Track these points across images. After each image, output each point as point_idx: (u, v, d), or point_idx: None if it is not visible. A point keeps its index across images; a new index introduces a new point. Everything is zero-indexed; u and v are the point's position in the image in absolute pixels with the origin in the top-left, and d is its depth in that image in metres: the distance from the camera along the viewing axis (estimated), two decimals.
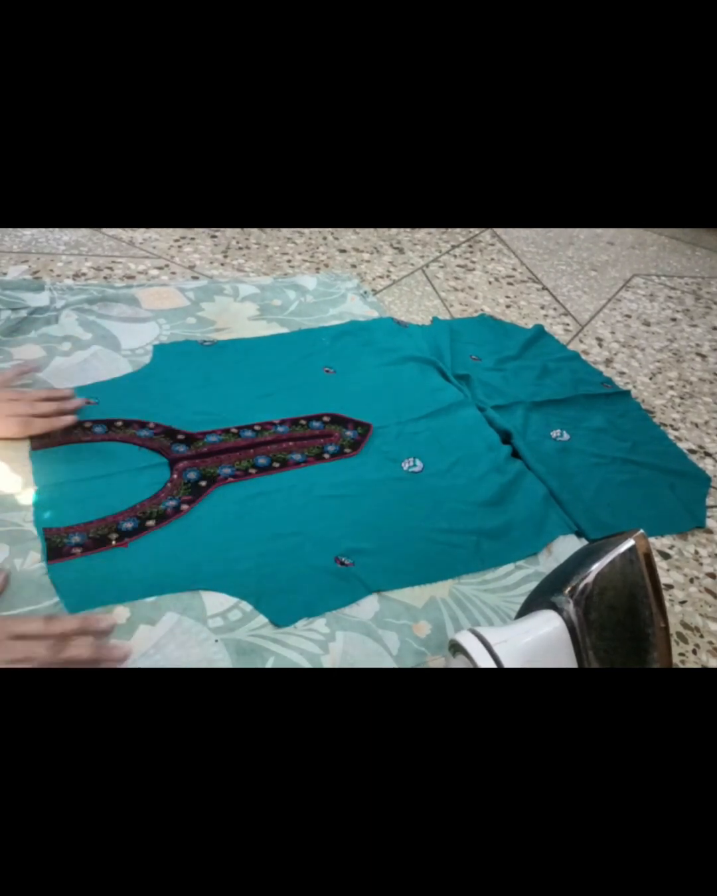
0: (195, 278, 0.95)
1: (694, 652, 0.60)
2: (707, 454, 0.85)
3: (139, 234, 1.03)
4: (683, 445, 0.85)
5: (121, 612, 0.52)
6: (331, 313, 0.93)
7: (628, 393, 0.91)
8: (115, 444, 0.66)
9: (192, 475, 0.64)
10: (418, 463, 0.71)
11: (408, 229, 1.23)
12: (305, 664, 0.51)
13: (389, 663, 0.53)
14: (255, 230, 1.11)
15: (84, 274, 0.91)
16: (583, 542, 0.66)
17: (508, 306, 1.06)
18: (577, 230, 1.38)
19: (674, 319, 1.14)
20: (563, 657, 0.45)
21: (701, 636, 0.62)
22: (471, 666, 0.44)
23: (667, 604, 0.55)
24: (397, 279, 1.07)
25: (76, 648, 0.44)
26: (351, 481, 0.67)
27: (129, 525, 0.58)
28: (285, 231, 1.13)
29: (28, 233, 0.98)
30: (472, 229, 1.28)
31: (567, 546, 0.65)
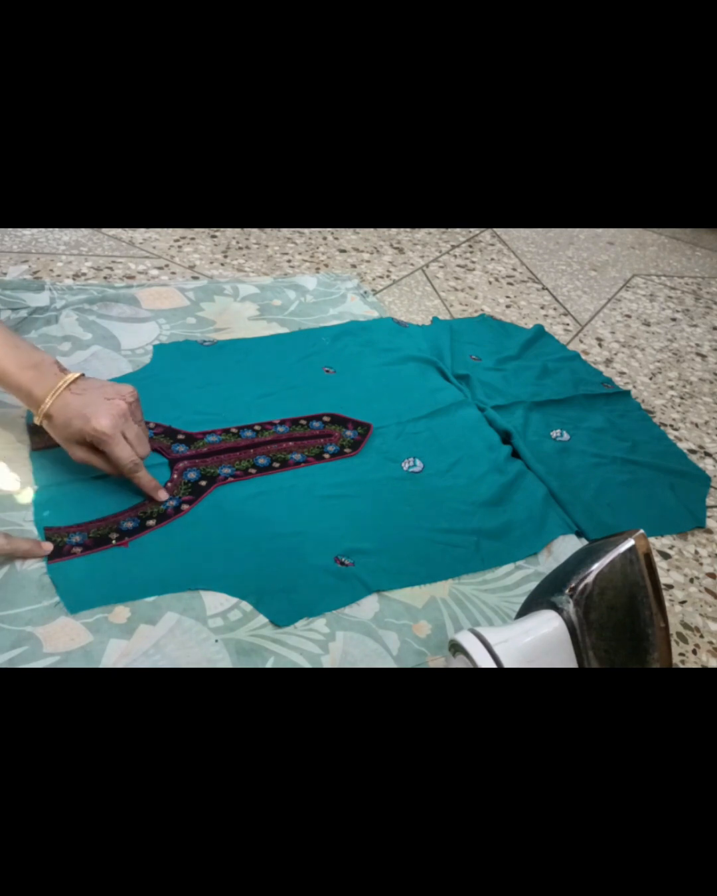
0: (195, 278, 0.95)
1: (694, 652, 0.60)
2: (707, 454, 0.85)
3: (139, 234, 1.03)
4: (683, 445, 0.85)
5: (121, 612, 0.52)
6: (331, 313, 0.93)
7: (628, 393, 0.91)
8: None
9: (192, 475, 0.64)
10: (418, 463, 0.71)
11: (408, 229, 1.23)
12: (305, 664, 0.51)
13: (389, 663, 0.53)
14: (255, 230, 1.11)
15: (84, 274, 0.91)
16: (583, 542, 0.66)
17: (508, 306, 1.07)
18: (577, 230, 1.38)
19: (674, 319, 1.14)
20: (563, 657, 0.45)
21: (701, 636, 0.62)
22: (471, 666, 0.44)
23: (667, 604, 0.55)
24: (397, 279, 1.07)
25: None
26: (351, 481, 0.67)
27: (129, 524, 0.58)
28: (285, 231, 1.13)
29: (28, 233, 0.98)
30: (472, 229, 1.29)
31: (567, 546, 0.65)
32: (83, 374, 0.58)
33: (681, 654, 0.59)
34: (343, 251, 1.11)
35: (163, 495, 0.61)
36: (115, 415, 0.56)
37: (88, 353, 0.77)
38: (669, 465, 0.79)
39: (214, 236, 1.07)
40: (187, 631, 0.51)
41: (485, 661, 0.43)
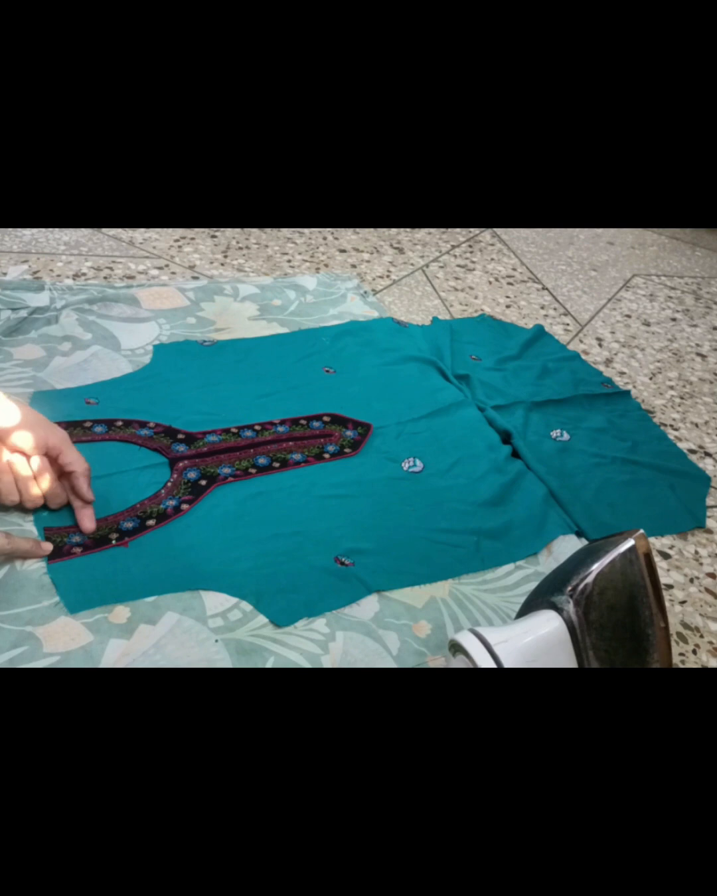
0: (195, 278, 0.95)
1: (694, 652, 0.60)
2: (707, 454, 0.85)
3: (139, 234, 1.03)
4: (683, 445, 0.85)
5: (121, 612, 0.52)
6: (331, 313, 0.93)
7: (628, 393, 0.91)
8: (116, 444, 0.66)
9: (192, 475, 0.64)
10: (418, 463, 0.71)
11: (408, 229, 1.23)
12: (305, 664, 0.51)
13: (389, 663, 0.53)
14: (255, 230, 1.11)
15: (84, 274, 0.91)
16: (583, 542, 0.66)
17: (508, 306, 1.06)
18: (577, 230, 1.38)
19: (674, 319, 1.14)
20: (563, 657, 0.45)
21: (701, 636, 0.62)
22: (471, 666, 0.44)
23: (667, 604, 0.55)
24: (397, 279, 1.07)
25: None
26: (351, 481, 0.67)
27: (129, 524, 0.58)
28: (285, 231, 1.13)
29: (28, 233, 0.98)
30: (472, 229, 1.29)
31: (567, 546, 0.65)
32: None
33: (681, 654, 0.59)
34: (343, 251, 1.11)
35: (89, 525, 0.57)
36: (64, 433, 0.56)
37: (88, 353, 0.77)
38: (669, 465, 0.79)
39: (214, 236, 1.07)
40: (187, 631, 0.51)
41: (485, 661, 0.43)
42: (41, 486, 0.56)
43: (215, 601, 0.54)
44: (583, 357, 0.97)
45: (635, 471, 0.77)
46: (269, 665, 0.50)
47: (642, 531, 0.47)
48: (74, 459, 0.56)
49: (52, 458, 0.56)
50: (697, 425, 0.89)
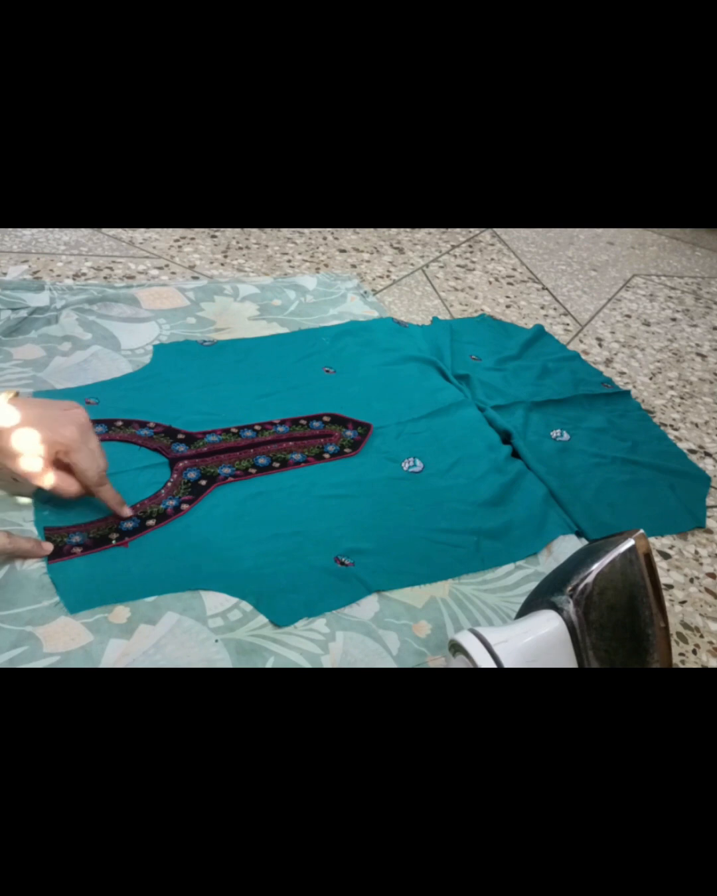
0: (195, 278, 0.95)
1: (694, 652, 0.60)
2: (707, 454, 0.85)
3: (139, 234, 1.03)
4: (683, 445, 0.85)
5: (121, 612, 0.52)
6: (331, 313, 0.93)
7: (628, 393, 0.91)
8: (116, 444, 0.66)
9: (192, 475, 0.64)
10: (418, 463, 0.71)
11: (408, 229, 1.23)
12: (305, 664, 0.51)
13: (389, 663, 0.53)
14: (255, 230, 1.11)
15: (84, 274, 0.91)
16: (583, 542, 0.66)
17: (508, 306, 1.07)
18: (577, 230, 1.38)
19: (674, 319, 1.14)
20: (563, 657, 0.45)
21: (701, 636, 0.62)
22: (471, 666, 0.44)
23: (667, 604, 0.55)
24: (397, 279, 1.07)
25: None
26: (351, 481, 0.67)
27: (129, 524, 0.58)
28: (285, 231, 1.13)
29: (28, 233, 0.98)
30: (472, 229, 1.29)
31: (567, 546, 0.65)
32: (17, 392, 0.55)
33: (681, 654, 0.59)
34: (343, 251, 1.11)
35: (127, 512, 0.58)
36: (80, 423, 0.54)
37: (88, 353, 0.77)
38: (669, 465, 0.79)
39: (214, 236, 1.07)
40: (187, 631, 0.51)
41: (485, 661, 0.43)
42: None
43: (215, 601, 0.54)
44: (583, 357, 0.97)
45: (635, 471, 0.77)
46: (269, 665, 0.50)
47: (642, 531, 0.47)
48: (86, 465, 0.54)
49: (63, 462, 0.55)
50: (697, 425, 0.89)
